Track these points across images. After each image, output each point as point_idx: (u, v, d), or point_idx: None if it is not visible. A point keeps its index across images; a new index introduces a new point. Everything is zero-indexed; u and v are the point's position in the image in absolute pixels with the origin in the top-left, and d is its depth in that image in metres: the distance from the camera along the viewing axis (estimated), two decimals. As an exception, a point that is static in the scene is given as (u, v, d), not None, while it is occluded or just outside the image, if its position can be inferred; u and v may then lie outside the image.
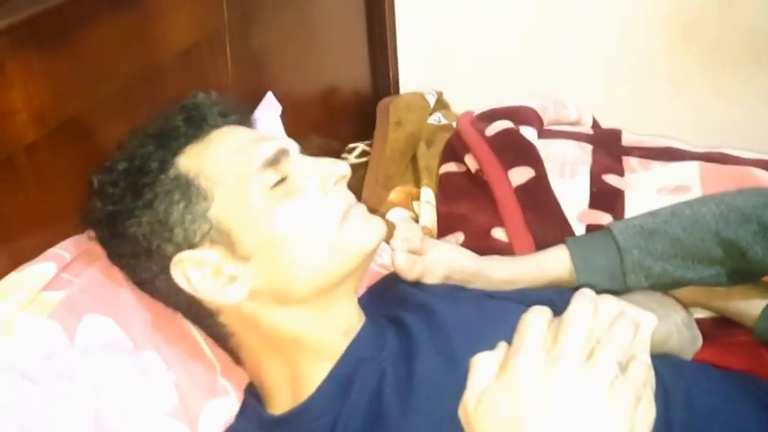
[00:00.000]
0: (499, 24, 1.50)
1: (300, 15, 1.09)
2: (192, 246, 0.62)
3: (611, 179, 1.14)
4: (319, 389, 0.63)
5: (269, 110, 0.87)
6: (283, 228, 0.62)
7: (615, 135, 1.27)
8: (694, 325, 0.85)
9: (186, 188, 0.63)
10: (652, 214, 0.88)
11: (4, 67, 0.60)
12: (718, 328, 0.93)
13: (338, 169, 0.66)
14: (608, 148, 1.22)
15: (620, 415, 0.43)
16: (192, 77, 0.82)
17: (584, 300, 0.49)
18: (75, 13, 0.66)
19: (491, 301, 0.77)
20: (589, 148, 1.22)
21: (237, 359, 0.67)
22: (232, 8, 0.88)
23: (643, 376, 0.46)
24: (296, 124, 0.97)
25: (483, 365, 0.47)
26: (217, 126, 0.68)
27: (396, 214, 1.08)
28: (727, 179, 1.11)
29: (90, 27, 0.69)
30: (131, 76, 0.72)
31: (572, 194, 1.11)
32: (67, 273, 0.63)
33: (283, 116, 0.94)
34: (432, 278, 0.79)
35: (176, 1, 0.79)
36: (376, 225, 0.66)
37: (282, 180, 0.64)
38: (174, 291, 0.62)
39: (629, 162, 1.19)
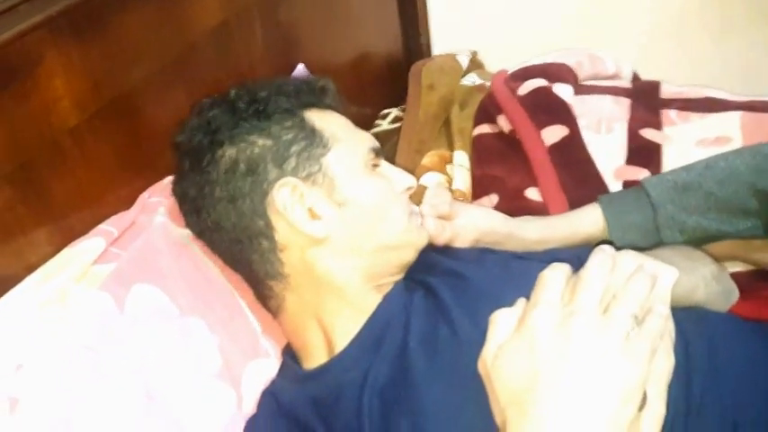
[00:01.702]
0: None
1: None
2: (295, 173, 0.70)
3: (648, 133, 1.13)
4: (352, 343, 0.67)
5: (301, 81, 0.90)
6: (374, 196, 0.73)
7: (654, 88, 1.25)
8: (727, 278, 0.85)
9: (311, 132, 0.72)
10: (686, 168, 0.87)
11: (44, 58, 0.64)
12: (757, 281, 0.92)
13: (409, 181, 0.78)
14: (646, 102, 1.20)
15: (635, 367, 0.45)
16: (222, 55, 0.85)
17: (601, 255, 0.50)
18: (108, 1, 0.69)
19: (518, 262, 0.78)
20: (626, 102, 1.20)
21: (279, 309, 0.71)
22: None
23: (659, 328, 0.47)
24: None
25: (501, 321, 0.49)
26: (335, 108, 0.79)
27: (429, 179, 1.09)
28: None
29: (123, 13, 0.72)
30: (164, 58, 0.75)
31: (608, 150, 1.10)
32: (116, 247, 0.68)
33: None
34: (461, 242, 0.81)
35: (204, -19, 0.82)
36: (426, 230, 0.77)
37: (376, 167, 0.76)
38: (255, 214, 0.68)
39: (668, 115, 1.17)
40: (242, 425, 0.66)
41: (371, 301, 0.70)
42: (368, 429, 0.61)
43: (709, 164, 0.86)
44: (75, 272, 0.63)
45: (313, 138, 0.72)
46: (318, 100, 0.77)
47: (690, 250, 0.84)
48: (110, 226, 0.68)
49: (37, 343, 0.58)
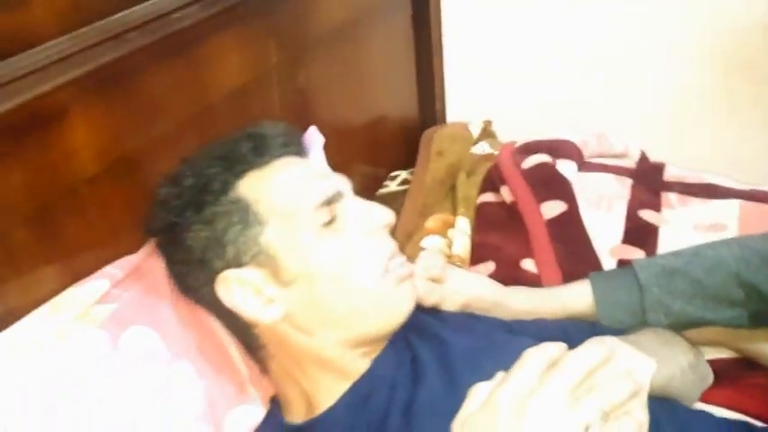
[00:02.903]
0: (549, 57, 1.54)
1: (348, 52, 1.17)
2: (240, 264, 0.68)
3: (646, 215, 1.16)
4: (338, 403, 0.69)
5: (311, 143, 0.94)
6: (326, 263, 0.68)
7: (657, 170, 1.29)
8: (704, 364, 0.86)
9: (245, 212, 0.69)
10: (675, 254, 0.90)
11: (70, 112, 0.71)
12: (740, 369, 0.94)
13: (383, 217, 0.72)
14: (648, 183, 1.24)
15: None
16: (239, 116, 0.90)
17: (596, 346, 0.50)
18: (132, 62, 0.76)
19: (504, 336, 0.80)
20: (629, 182, 1.24)
21: (264, 369, 0.74)
22: (280, 51, 0.97)
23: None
24: (341, 153, 1.03)
25: (476, 393, 0.52)
26: (278, 156, 0.73)
27: (430, 242, 1.13)
28: (768, 219, 1.11)
29: (146, 74, 0.78)
30: (183, 117, 0.81)
31: (606, 228, 1.13)
32: (118, 288, 0.72)
33: (328, 146, 0.98)
34: (450, 306, 0.83)
35: (226, 47, 0.88)
36: (409, 287, 0.72)
37: (333, 219, 0.70)
38: (217, 301, 0.69)
39: (668, 197, 1.21)
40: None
41: (358, 367, 0.70)
42: None
43: (698, 251, 0.88)
44: (78, 311, 0.68)
45: (247, 217, 0.69)
46: (256, 159, 0.72)
47: (670, 335, 0.86)
48: (115, 268, 0.73)
49: (32, 374, 0.62)
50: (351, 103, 1.20)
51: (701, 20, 1.45)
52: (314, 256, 0.68)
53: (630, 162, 1.33)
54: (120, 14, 0.74)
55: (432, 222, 1.17)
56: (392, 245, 0.72)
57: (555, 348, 0.51)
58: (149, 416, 0.66)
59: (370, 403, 0.68)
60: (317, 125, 0.97)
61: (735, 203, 1.16)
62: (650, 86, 1.53)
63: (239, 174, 0.71)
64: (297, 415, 0.71)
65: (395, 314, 0.71)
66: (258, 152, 0.72)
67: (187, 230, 0.69)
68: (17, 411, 0.59)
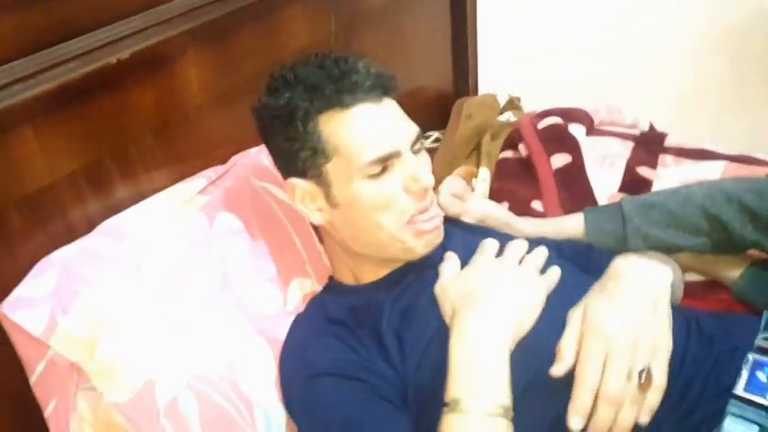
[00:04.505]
0: (574, 41, 1.74)
1: (393, 27, 1.40)
2: (305, 176, 0.85)
3: (643, 171, 1.36)
4: (379, 280, 0.90)
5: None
6: (364, 204, 0.83)
7: (659, 137, 1.47)
8: (680, 277, 1.02)
9: (317, 143, 0.83)
10: (657, 192, 1.08)
11: (185, 54, 0.96)
12: (706, 288, 1.13)
13: (423, 182, 0.83)
14: (648, 147, 1.43)
15: (536, 293, 0.83)
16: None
17: (521, 242, 0.88)
18: (230, 21, 1.01)
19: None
20: (631, 145, 1.43)
21: (321, 239, 0.96)
22: (338, 21, 1.21)
23: (554, 278, 0.84)
24: None
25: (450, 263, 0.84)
26: (359, 101, 0.83)
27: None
28: (745, 176, 1.28)
29: (239, 31, 1.03)
30: (263, 66, 1.00)
31: (606, 180, 1.34)
32: (212, 185, 0.98)
33: None
34: (468, 218, 1.05)
35: (297, 16, 1.13)
36: (430, 237, 0.86)
37: (384, 170, 0.83)
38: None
39: (664, 159, 1.39)
40: (284, 318, 0.92)
41: (388, 265, 0.90)
42: (385, 330, 0.83)
43: (675, 189, 1.05)
44: (184, 198, 0.94)
45: (318, 147, 0.83)
46: (338, 100, 0.82)
47: (657, 254, 1.01)
48: (210, 172, 0.99)
49: (153, 236, 0.88)
50: (394, 71, 1.43)
51: (707, 4, 1.63)
52: (357, 196, 0.83)
53: (636, 131, 1.52)
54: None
55: (458, 172, 1.40)
56: (424, 203, 0.85)
57: (496, 242, 0.83)
58: (235, 274, 0.91)
59: (405, 289, 0.89)
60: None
61: (720, 164, 1.35)
62: (664, 69, 1.72)
63: (321, 109, 0.83)
64: (346, 279, 0.94)
65: (408, 255, 0.88)
66: (341, 95, 0.82)
67: (274, 137, 0.88)
68: (149, 256, 0.85)
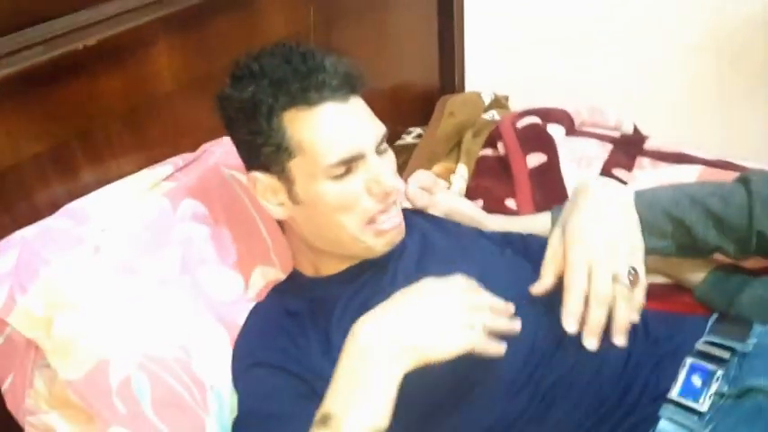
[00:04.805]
0: (568, 38, 1.74)
1: (377, 20, 1.41)
2: (267, 171, 0.85)
3: (618, 172, 1.37)
4: (337, 274, 0.91)
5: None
6: (327, 203, 0.83)
7: (639, 140, 1.49)
8: None
9: (281, 140, 0.82)
10: None
11: (156, 43, 0.98)
12: (671, 291, 1.14)
13: (386, 183, 0.83)
14: (626, 149, 1.44)
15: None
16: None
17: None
18: (205, 9, 1.03)
19: (474, 240, 1.01)
20: (609, 147, 1.44)
21: (282, 230, 0.98)
22: (317, 13, 1.23)
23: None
24: None
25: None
26: (324, 100, 0.82)
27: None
28: (720, 181, 1.29)
29: (213, 20, 1.05)
30: (236, 56, 1.03)
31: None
32: (179, 173, 0.99)
33: None
34: (435, 211, 1.06)
35: (274, 5, 1.14)
36: (390, 236, 0.87)
37: (347, 172, 0.83)
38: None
39: (642, 161, 1.41)
40: (244, 304, 0.94)
41: (347, 260, 0.90)
42: (335, 326, 0.84)
43: (642, 192, 1.08)
44: (150, 183, 0.95)
45: (281, 144, 0.82)
46: (304, 97, 0.81)
47: None
48: (178, 159, 1.00)
49: (118, 217, 0.90)
50: (377, 66, 1.44)
51: (701, 11, 1.63)
52: (320, 195, 0.83)
53: (617, 133, 1.53)
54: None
55: (437, 168, 1.41)
56: (385, 204, 0.85)
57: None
58: (196, 259, 0.93)
59: (359, 279, 0.90)
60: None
61: (697, 168, 1.36)
62: (655, 71, 1.73)
63: (285, 106, 0.82)
64: (306, 271, 0.95)
65: (368, 253, 0.89)
66: (307, 93, 0.81)
67: (237, 129, 0.87)
68: (108, 240, 0.87)
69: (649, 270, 1.13)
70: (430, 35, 1.62)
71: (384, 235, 0.87)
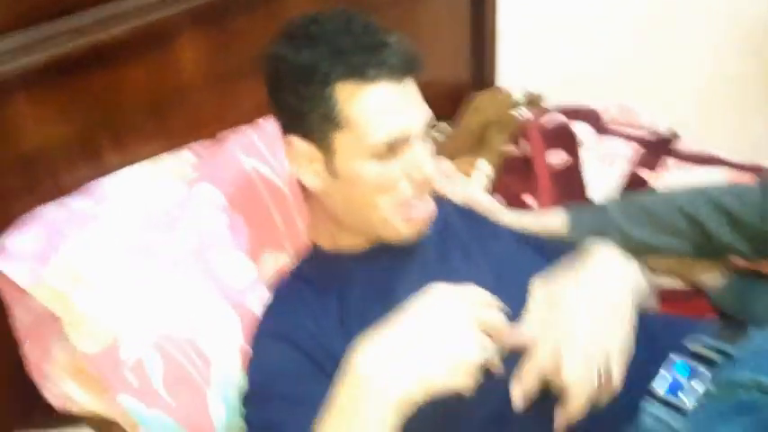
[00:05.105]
0: (598, 40, 1.73)
1: (406, 15, 1.42)
2: (307, 137, 0.84)
3: (642, 172, 1.35)
4: (361, 252, 0.92)
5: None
6: (365, 183, 0.83)
7: (667, 140, 1.46)
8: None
9: (331, 110, 0.81)
10: (641, 193, 1.10)
11: (181, 36, 1.02)
12: (689, 296, 1.12)
13: (425, 172, 0.84)
14: (653, 149, 1.42)
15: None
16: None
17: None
18: (231, 3, 1.06)
19: (492, 231, 1.03)
20: (636, 146, 1.43)
21: (307, 197, 0.98)
22: (345, 6, 1.25)
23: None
24: None
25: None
26: (380, 79, 0.81)
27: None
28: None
29: (238, 15, 1.09)
30: (260, 50, 1.08)
31: (604, 178, 1.34)
32: (198, 158, 1.04)
33: None
34: (454, 198, 1.07)
35: (300, 3, 1.17)
36: (418, 225, 0.88)
37: (390, 153, 0.83)
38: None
39: (667, 161, 1.39)
40: (254, 288, 0.98)
41: (370, 240, 0.92)
42: (352, 304, 0.86)
43: (659, 191, 1.08)
44: (170, 166, 1.01)
45: (330, 115, 0.81)
46: (362, 71, 0.80)
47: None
48: (198, 146, 1.05)
49: (138, 199, 0.95)
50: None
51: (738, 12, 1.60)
52: (360, 174, 0.83)
53: (647, 132, 1.51)
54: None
55: (458, 162, 1.42)
56: (420, 191, 0.86)
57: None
58: (209, 242, 0.97)
59: (380, 261, 0.91)
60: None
61: (723, 170, 1.33)
62: (695, 78, 1.70)
63: (342, 77, 0.81)
64: (324, 244, 0.97)
65: (394, 237, 0.89)
66: (366, 68, 0.80)
67: (282, 91, 0.85)
68: (124, 222, 0.92)
69: (666, 272, 1.14)
70: (462, 31, 1.62)
71: (413, 222, 0.88)
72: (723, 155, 1.40)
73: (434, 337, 0.66)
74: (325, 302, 0.89)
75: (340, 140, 0.83)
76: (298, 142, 0.86)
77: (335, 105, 0.82)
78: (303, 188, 0.98)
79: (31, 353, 0.90)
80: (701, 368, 0.78)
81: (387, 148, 0.82)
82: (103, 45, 0.92)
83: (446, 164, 1.10)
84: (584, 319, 0.76)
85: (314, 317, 0.88)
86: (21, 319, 0.89)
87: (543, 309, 0.80)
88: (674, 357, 0.80)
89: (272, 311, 0.93)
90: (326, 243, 0.97)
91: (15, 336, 0.90)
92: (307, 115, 0.84)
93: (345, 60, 0.81)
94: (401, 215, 0.87)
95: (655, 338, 0.84)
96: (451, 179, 1.10)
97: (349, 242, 0.94)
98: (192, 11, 1.02)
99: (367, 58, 0.81)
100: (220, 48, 1.08)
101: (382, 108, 0.82)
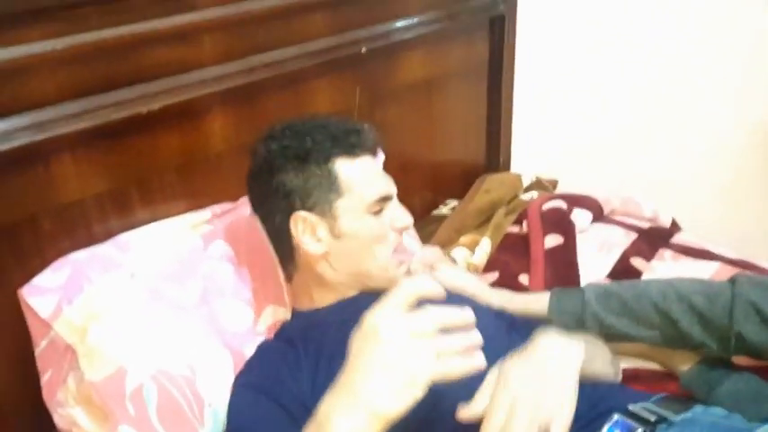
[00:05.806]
0: (611, 132, 1.82)
1: (421, 101, 1.56)
2: (311, 210, 0.99)
3: (636, 261, 1.42)
4: (332, 305, 1.04)
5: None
6: (365, 235, 1.00)
7: (668, 232, 1.53)
8: (617, 365, 1.10)
9: (333, 182, 0.99)
10: (619, 283, 1.14)
11: (211, 111, 1.17)
12: (659, 377, 1.16)
13: (406, 220, 1.04)
14: (651, 240, 1.49)
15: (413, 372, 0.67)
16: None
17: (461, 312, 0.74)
18: (257, 87, 1.21)
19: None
20: (634, 236, 1.50)
21: (288, 277, 1.10)
22: (363, 94, 1.39)
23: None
24: (406, 180, 1.25)
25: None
26: (364, 153, 1.03)
27: (459, 252, 1.48)
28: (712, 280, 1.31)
29: (264, 97, 1.24)
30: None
31: (598, 265, 1.41)
32: (217, 218, 1.17)
33: (396, 171, 1.18)
34: (441, 282, 1.13)
35: (322, 87, 1.32)
36: (405, 267, 1.04)
37: (380, 210, 1.02)
38: (282, 224, 1.00)
39: (663, 253, 1.45)
40: (252, 337, 1.08)
41: (349, 293, 1.05)
42: (324, 354, 0.95)
43: (633, 284, 1.11)
44: (192, 224, 1.14)
45: (333, 186, 0.99)
46: (351, 149, 1.00)
47: (599, 341, 1.08)
48: (218, 207, 1.18)
49: (157, 251, 1.08)
50: (419, 144, 1.59)
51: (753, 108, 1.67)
52: (362, 228, 1.00)
53: (647, 224, 1.58)
54: (252, 56, 1.20)
55: (464, 239, 1.52)
56: (403, 239, 1.06)
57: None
58: (215, 291, 1.09)
59: (350, 311, 0.93)
60: (385, 154, 1.31)
61: (715, 265, 1.39)
62: (697, 168, 1.76)
63: (339, 154, 1.00)
64: (302, 306, 1.08)
65: (389, 281, 1.01)
66: (354, 147, 1.01)
67: (285, 174, 1.00)
68: (144, 267, 1.05)
69: (642, 356, 1.20)
70: (479, 116, 1.75)
71: (401, 265, 1.04)
72: (719, 250, 1.45)
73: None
74: (300, 357, 0.98)
75: (343, 205, 1.00)
76: (306, 216, 1.00)
77: (337, 178, 1.00)
78: (285, 267, 1.09)
79: (49, 382, 1.01)
80: (637, 426, 0.84)
81: (379, 206, 1.01)
82: (140, 117, 1.06)
83: (430, 251, 1.21)
84: (528, 392, 0.84)
85: (292, 373, 0.97)
86: (44, 351, 1.01)
87: (495, 386, 0.86)
88: (615, 416, 0.86)
89: (253, 366, 1.03)
90: (305, 305, 1.08)
91: (37, 366, 1.02)
92: (312, 191, 1.00)
93: (340, 142, 1.01)
94: (395, 260, 1.03)
95: (603, 401, 0.90)
96: (433, 266, 1.18)
97: (325, 298, 1.05)
98: (223, 92, 1.17)
99: (355, 140, 1.02)
100: (246, 121, 1.23)
101: (369, 175, 1.03)
